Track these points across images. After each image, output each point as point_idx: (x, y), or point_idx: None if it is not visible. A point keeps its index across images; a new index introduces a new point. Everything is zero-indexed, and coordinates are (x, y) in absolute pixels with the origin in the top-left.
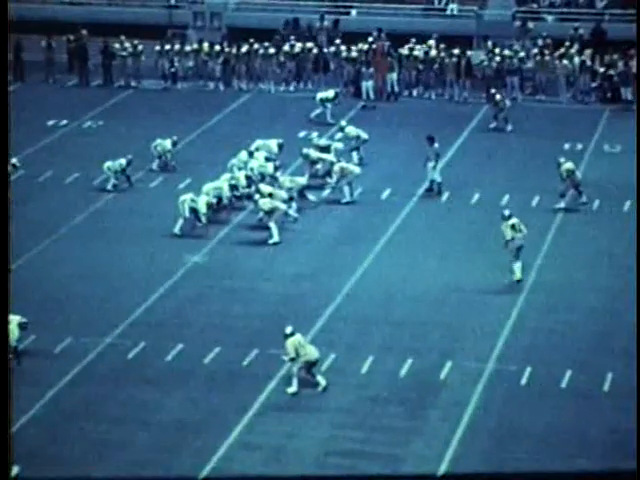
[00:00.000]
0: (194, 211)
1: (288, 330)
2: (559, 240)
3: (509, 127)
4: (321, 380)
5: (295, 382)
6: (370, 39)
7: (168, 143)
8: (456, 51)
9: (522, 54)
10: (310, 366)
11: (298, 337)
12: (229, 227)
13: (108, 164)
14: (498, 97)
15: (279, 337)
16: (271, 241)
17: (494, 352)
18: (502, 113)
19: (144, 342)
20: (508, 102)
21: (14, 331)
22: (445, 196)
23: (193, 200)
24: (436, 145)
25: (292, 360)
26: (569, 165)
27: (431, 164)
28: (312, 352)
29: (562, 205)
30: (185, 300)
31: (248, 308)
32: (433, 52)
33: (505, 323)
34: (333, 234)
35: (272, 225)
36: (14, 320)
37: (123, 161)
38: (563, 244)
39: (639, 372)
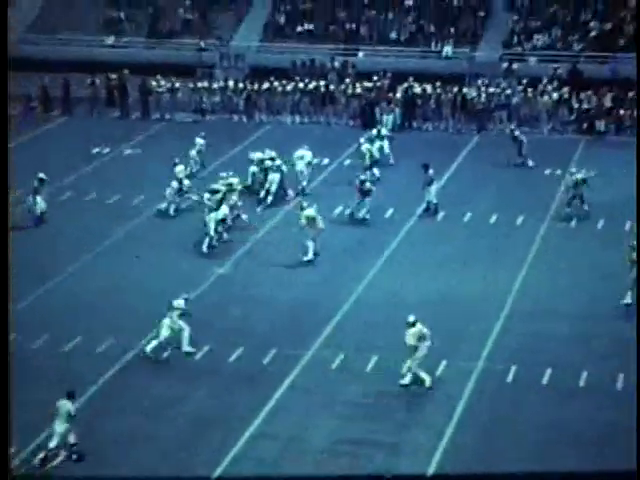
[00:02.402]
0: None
1: (411, 319)
2: (542, 253)
3: (530, 162)
4: (426, 378)
5: (409, 375)
6: (375, 77)
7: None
8: (455, 89)
9: (509, 91)
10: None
11: (419, 327)
12: (250, 242)
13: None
14: (517, 133)
15: (295, 339)
16: (305, 258)
17: (484, 353)
18: (523, 148)
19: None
20: (524, 138)
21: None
22: (441, 215)
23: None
24: (430, 171)
25: (413, 349)
26: (580, 176)
27: (428, 188)
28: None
29: (568, 210)
30: (211, 306)
31: (267, 313)
32: (429, 89)
33: (494, 327)
34: (343, 247)
35: (309, 243)
36: (65, 405)
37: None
38: (545, 256)
39: (639, 371)
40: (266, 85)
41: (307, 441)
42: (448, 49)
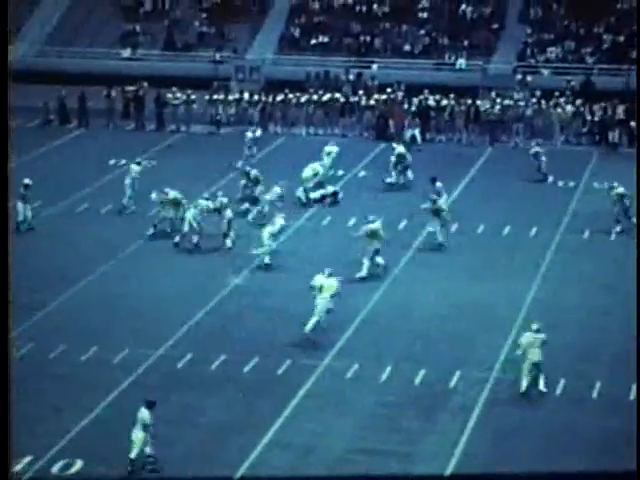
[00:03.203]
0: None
1: (534, 327)
2: (555, 265)
3: (550, 178)
4: (542, 384)
5: (525, 381)
6: (389, 90)
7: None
8: (469, 101)
9: (522, 103)
10: (533, 367)
11: (532, 335)
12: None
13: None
14: (537, 149)
15: (309, 349)
16: (358, 275)
17: (497, 363)
18: (542, 165)
19: (191, 353)
20: (544, 157)
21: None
22: (454, 227)
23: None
24: (438, 184)
25: (520, 354)
26: (620, 190)
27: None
28: (536, 354)
29: (618, 229)
30: (227, 317)
31: (282, 324)
32: (444, 101)
33: (507, 337)
34: (358, 258)
35: (365, 260)
36: (143, 414)
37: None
38: (557, 268)
39: (639, 375)
40: (281, 97)
41: (322, 450)
42: (462, 61)
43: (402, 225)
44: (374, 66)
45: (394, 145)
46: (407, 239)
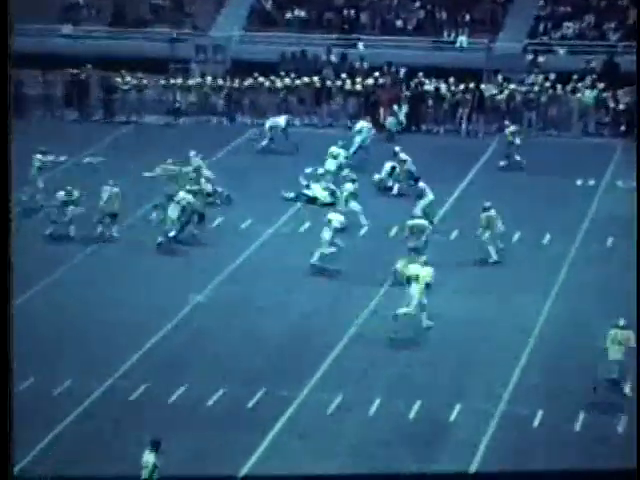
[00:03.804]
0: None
1: (621, 323)
2: (572, 276)
3: (519, 159)
4: (627, 388)
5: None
6: (377, 74)
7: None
8: (471, 85)
9: (537, 88)
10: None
11: (618, 331)
12: (234, 264)
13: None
14: (512, 129)
15: (285, 377)
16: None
17: (505, 393)
18: (513, 149)
19: (145, 384)
20: (518, 140)
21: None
22: (455, 233)
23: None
24: (420, 184)
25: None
26: None
27: (419, 201)
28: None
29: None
30: (188, 339)
31: (253, 347)
32: (443, 86)
33: (517, 362)
34: (344, 268)
35: (490, 248)
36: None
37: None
38: (576, 280)
39: (639, 372)
40: (250, 81)
41: None
42: (463, 39)
43: (394, 231)
44: (360, 45)
45: (396, 149)
46: (401, 247)
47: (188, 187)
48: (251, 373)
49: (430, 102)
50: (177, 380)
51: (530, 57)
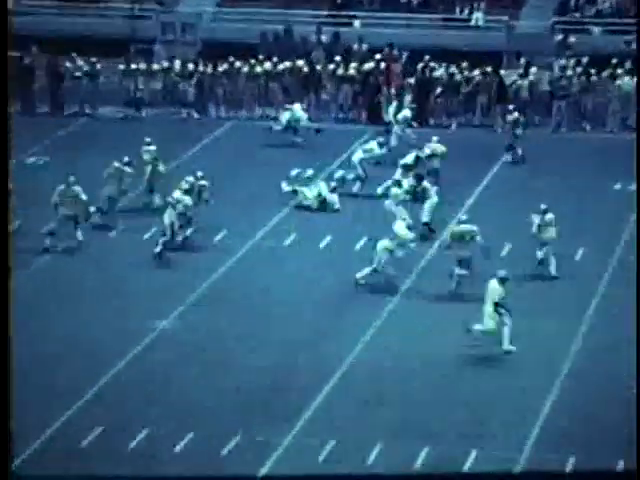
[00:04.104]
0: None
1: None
2: (609, 299)
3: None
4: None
5: None
6: (378, 56)
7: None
8: (488, 70)
9: (570, 72)
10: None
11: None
12: (205, 285)
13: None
14: (515, 116)
15: (265, 419)
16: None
17: (530, 438)
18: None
19: (101, 426)
20: (520, 131)
21: None
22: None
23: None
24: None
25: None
26: None
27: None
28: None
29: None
30: (151, 373)
31: (229, 383)
32: (456, 72)
33: (544, 400)
34: (336, 291)
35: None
36: None
37: None
38: (614, 304)
39: (639, 373)
40: (224, 67)
41: None
42: (479, 16)
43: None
44: (356, 23)
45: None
46: (403, 263)
47: (185, 186)
48: (225, 414)
49: (439, 91)
50: (137, 422)
51: (559, 37)
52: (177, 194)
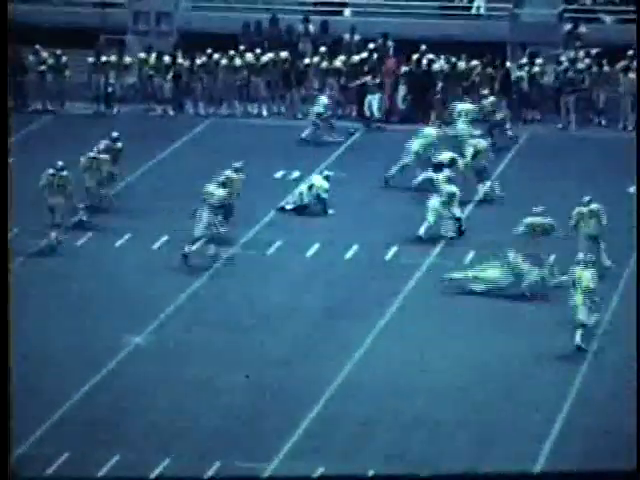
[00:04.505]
0: None
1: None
2: (621, 314)
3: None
4: None
5: None
6: (371, 45)
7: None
8: (493, 62)
9: (581, 65)
10: None
11: None
12: (183, 297)
13: None
14: (491, 99)
15: (250, 444)
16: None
17: (537, 463)
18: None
19: (68, 452)
20: (501, 115)
21: None
22: (470, 255)
23: None
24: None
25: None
26: None
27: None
28: None
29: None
30: (125, 393)
31: (208, 405)
32: (460, 63)
33: (552, 421)
34: (325, 306)
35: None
36: None
37: None
38: (627, 319)
39: (639, 371)
40: (203, 59)
41: None
42: (480, 3)
43: (390, 254)
44: (347, 11)
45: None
46: (398, 273)
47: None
48: (204, 438)
49: (439, 83)
50: (108, 447)
51: (568, 27)
52: (211, 187)
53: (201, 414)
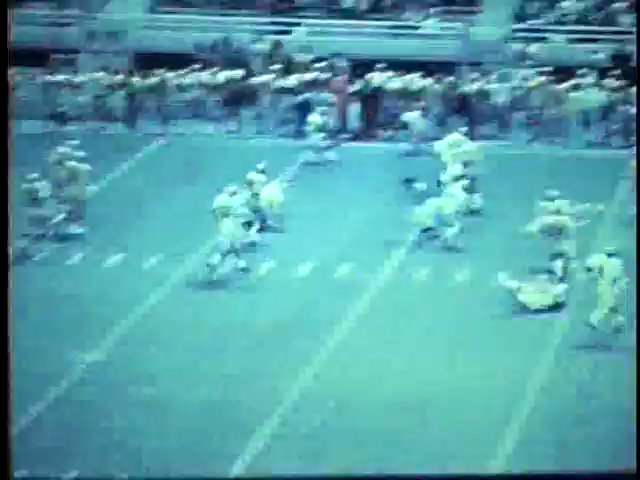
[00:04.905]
0: None
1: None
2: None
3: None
4: None
5: None
6: (322, 64)
7: None
8: (447, 79)
9: (532, 83)
10: None
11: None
12: (137, 310)
13: None
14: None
15: (199, 464)
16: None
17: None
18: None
19: (23, 469)
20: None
21: None
22: (425, 271)
23: None
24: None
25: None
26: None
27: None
28: None
29: None
30: (79, 416)
31: (160, 425)
32: (417, 82)
33: (502, 437)
34: (279, 319)
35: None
36: None
37: None
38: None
39: (639, 371)
40: (156, 79)
41: None
42: (431, 23)
43: (344, 268)
44: (301, 29)
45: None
46: (352, 286)
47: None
48: (159, 458)
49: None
50: (64, 467)
51: (518, 47)
52: (252, 175)
53: (153, 435)
